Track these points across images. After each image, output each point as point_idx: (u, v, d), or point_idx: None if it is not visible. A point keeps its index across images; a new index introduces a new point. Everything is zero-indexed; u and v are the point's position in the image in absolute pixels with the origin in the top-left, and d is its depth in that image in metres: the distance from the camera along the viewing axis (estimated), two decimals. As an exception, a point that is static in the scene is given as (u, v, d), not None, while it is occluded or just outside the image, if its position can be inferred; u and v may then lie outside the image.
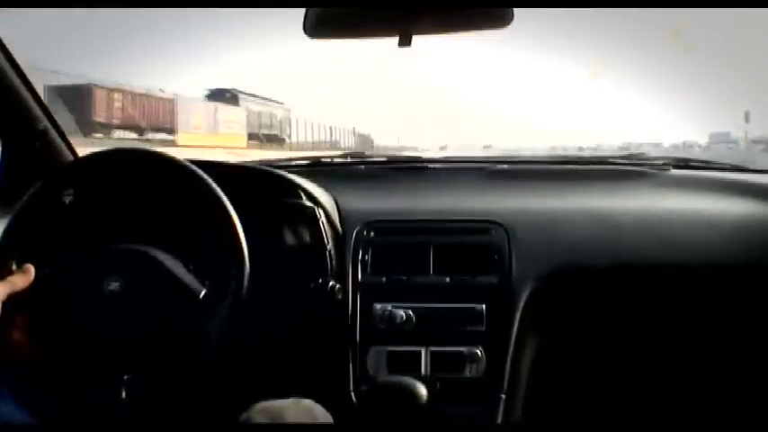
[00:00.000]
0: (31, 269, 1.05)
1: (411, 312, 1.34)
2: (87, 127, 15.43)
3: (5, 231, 1.14)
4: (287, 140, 26.52)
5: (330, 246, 1.38)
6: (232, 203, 1.16)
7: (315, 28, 1.08)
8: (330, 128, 31.14)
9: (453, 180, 1.77)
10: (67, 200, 1.21)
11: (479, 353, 1.32)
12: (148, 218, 1.25)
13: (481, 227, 1.46)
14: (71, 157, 1.55)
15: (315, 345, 1.40)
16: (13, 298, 1.01)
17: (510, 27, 1.08)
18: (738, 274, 1.46)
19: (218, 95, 23.14)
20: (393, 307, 1.35)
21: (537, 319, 1.40)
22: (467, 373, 1.32)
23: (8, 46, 1.36)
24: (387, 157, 1.98)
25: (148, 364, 1.11)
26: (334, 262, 1.37)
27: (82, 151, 1.55)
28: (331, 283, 1.34)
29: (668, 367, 1.60)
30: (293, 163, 1.84)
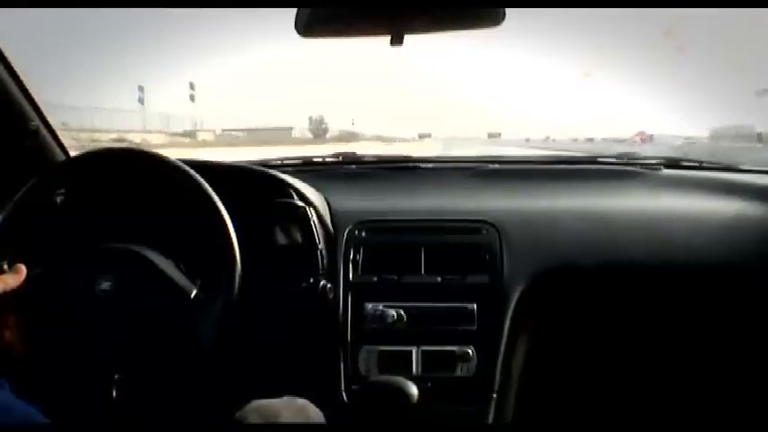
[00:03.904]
0: (23, 269, 1.04)
1: (402, 312, 1.34)
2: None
3: None
4: None
5: (321, 245, 1.38)
6: (224, 203, 1.16)
7: (307, 27, 1.08)
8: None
9: (445, 180, 1.77)
10: (59, 199, 1.21)
11: (470, 352, 1.33)
12: (140, 217, 1.25)
13: (472, 226, 1.46)
14: (63, 157, 1.54)
15: (306, 344, 1.40)
16: (4, 298, 1.00)
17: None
18: (729, 274, 1.47)
19: None
20: (384, 306, 1.35)
21: (528, 319, 1.40)
22: (458, 373, 1.33)
23: (0, 45, 1.36)
24: (378, 157, 1.98)
25: (140, 363, 1.12)
26: (325, 261, 1.38)
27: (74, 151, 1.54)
28: (322, 283, 1.34)
29: (659, 366, 1.61)
30: (285, 163, 1.84)
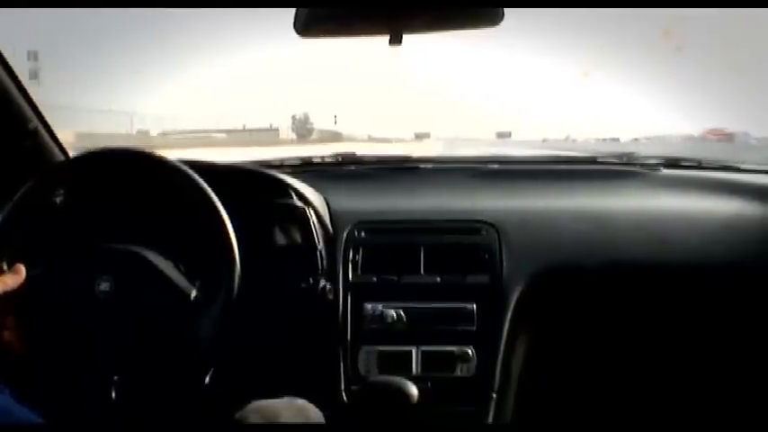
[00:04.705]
0: (22, 269, 1.04)
1: (402, 312, 1.35)
2: None
3: None
4: None
5: (321, 246, 1.38)
6: (223, 203, 1.16)
7: (305, 27, 1.08)
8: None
9: (444, 180, 1.77)
10: (59, 200, 1.21)
11: (470, 352, 1.33)
12: (140, 217, 1.25)
13: (472, 226, 1.47)
14: (62, 157, 1.54)
15: (306, 344, 1.41)
16: (3, 299, 1.00)
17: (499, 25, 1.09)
18: (728, 274, 1.47)
19: None
20: (384, 307, 1.35)
21: (528, 319, 1.40)
22: (458, 373, 1.33)
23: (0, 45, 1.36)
24: (378, 157, 1.98)
25: (140, 363, 1.11)
26: (324, 262, 1.38)
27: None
28: (322, 283, 1.34)
29: (659, 366, 1.61)
30: (285, 163, 1.84)
